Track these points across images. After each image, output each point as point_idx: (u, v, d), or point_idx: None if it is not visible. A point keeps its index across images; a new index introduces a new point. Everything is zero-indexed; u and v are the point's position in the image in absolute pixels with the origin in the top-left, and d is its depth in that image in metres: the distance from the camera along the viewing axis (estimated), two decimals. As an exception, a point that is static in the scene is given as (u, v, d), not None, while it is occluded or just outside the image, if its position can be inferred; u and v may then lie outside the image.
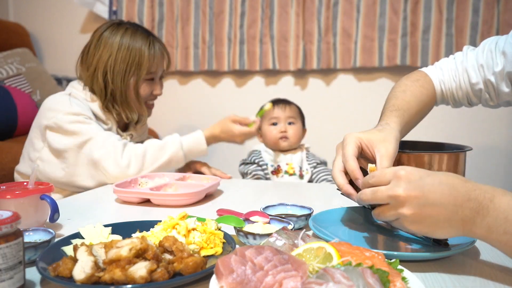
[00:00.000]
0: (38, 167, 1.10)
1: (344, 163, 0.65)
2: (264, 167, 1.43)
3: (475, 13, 1.96)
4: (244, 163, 1.50)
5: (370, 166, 0.63)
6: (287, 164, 1.44)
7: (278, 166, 1.44)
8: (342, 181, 0.64)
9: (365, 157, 0.68)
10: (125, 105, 1.18)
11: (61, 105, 1.10)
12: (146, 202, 0.88)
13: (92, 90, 1.18)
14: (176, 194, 0.87)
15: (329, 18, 2.12)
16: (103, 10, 2.34)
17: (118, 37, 1.16)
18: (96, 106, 1.16)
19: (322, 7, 2.11)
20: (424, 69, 0.90)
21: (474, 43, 1.97)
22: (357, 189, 0.62)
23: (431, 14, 2.01)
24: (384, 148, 0.65)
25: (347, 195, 0.65)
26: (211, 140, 1.24)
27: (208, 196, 0.94)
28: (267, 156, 1.47)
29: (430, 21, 2.02)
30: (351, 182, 0.64)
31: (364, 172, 0.63)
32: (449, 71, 0.86)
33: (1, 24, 2.24)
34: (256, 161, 1.46)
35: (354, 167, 0.63)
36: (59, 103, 1.11)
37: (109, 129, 1.17)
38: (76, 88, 1.18)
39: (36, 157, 1.11)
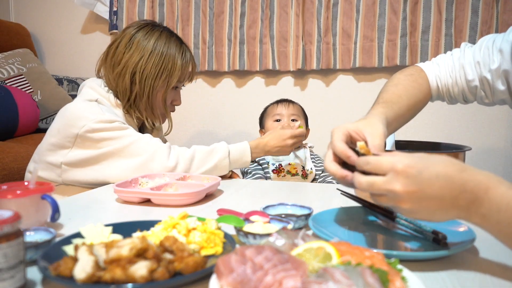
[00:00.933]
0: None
1: (333, 149, 0.64)
2: (264, 165, 1.43)
3: (474, 14, 1.96)
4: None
5: (359, 144, 0.61)
6: (289, 164, 1.44)
7: (280, 165, 1.44)
8: (334, 168, 0.63)
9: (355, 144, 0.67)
10: (149, 110, 1.16)
11: (91, 113, 1.06)
12: (147, 202, 0.88)
13: (116, 92, 1.15)
14: (176, 194, 0.87)
15: (328, 18, 2.12)
16: (103, 11, 2.34)
17: (152, 41, 1.13)
18: (120, 111, 1.13)
19: (322, 7, 2.11)
20: (420, 64, 0.90)
21: (473, 43, 1.96)
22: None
23: (431, 15, 2.02)
24: (373, 129, 0.66)
25: (343, 183, 0.63)
26: (258, 150, 1.18)
27: (208, 196, 0.94)
28: None
29: (429, 21, 2.02)
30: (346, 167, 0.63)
31: (355, 154, 0.62)
32: (446, 67, 0.86)
33: (2, 25, 2.24)
34: (257, 159, 1.46)
35: (342, 148, 0.62)
36: (89, 111, 1.07)
37: None
38: (99, 92, 1.14)
39: (60, 162, 1.07)
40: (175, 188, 0.97)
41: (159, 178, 1.04)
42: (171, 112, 1.23)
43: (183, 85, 1.26)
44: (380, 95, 0.83)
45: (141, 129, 1.29)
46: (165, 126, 1.32)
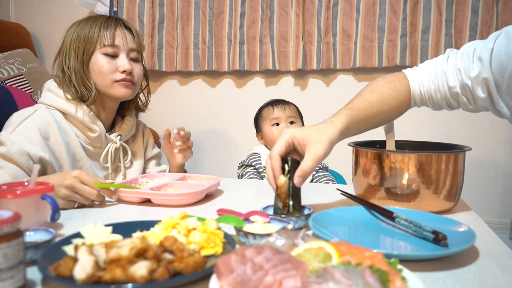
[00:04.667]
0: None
1: (270, 159, 0.74)
2: (260, 170, 1.42)
3: (474, 14, 1.96)
4: (242, 165, 1.49)
5: (280, 181, 0.71)
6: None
7: None
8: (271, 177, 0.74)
9: (297, 152, 0.76)
10: (80, 82, 1.07)
11: (11, 125, 1.00)
12: (147, 202, 0.88)
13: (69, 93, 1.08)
14: (176, 194, 0.87)
15: (328, 18, 2.12)
16: (103, 11, 2.34)
17: (74, 27, 1.10)
18: (81, 112, 1.07)
19: (322, 7, 2.11)
20: (407, 70, 0.91)
21: (473, 44, 1.97)
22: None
23: (431, 15, 2.02)
24: (315, 149, 0.71)
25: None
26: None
27: (208, 196, 0.94)
28: (265, 159, 1.46)
29: (429, 21, 2.02)
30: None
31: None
32: (429, 73, 0.86)
33: (3, 25, 2.25)
34: (253, 163, 1.44)
35: (275, 165, 0.73)
36: (14, 121, 1.00)
37: (98, 136, 1.09)
38: (56, 93, 1.08)
39: None
40: (175, 188, 0.97)
41: (159, 178, 1.04)
42: (127, 77, 1.10)
43: (135, 59, 1.14)
44: (354, 99, 0.85)
45: (113, 125, 1.20)
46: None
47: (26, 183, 0.70)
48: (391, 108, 0.86)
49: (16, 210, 0.49)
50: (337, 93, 2.24)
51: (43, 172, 1.00)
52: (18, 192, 0.63)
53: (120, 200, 0.90)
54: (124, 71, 1.09)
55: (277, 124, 1.46)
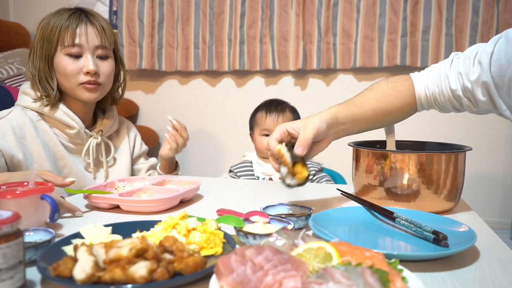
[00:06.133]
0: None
1: (269, 146, 0.80)
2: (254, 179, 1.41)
3: (475, 13, 1.96)
4: (231, 170, 1.48)
5: (277, 148, 0.77)
6: (280, 178, 1.41)
7: (270, 178, 1.41)
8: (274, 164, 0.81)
9: (294, 139, 0.79)
10: (45, 82, 1.05)
11: None
12: (118, 208, 0.82)
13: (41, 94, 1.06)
14: (146, 200, 0.80)
15: (329, 18, 2.12)
16: (103, 11, 2.34)
17: (41, 23, 1.06)
18: (55, 111, 1.05)
19: (322, 7, 2.11)
20: (414, 73, 0.92)
21: (473, 43, 1.97)
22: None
23: (431, 15, 2.02)
24: (307, 125, 0.77)
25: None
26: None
27: (208, 196, 0.94)
28: (258, 168, 1.44)
29: (430, 21, 2.02)
30: None
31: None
32: (434, 76, 0.87)
33: (2, 25, 2.24)
34: (238, 174, 1.43)
35: (273, 149, 0.78)
36: None
37: (77, 133, 1.08)
38: (30, 95, 1.07)
39: None
40: (150, 194, 0.90)
41: (138, 182, 0.99)
42: (92, 80, 1.06)
43: (104, 56, 1.09)
44: (353, 97, 0.88)
45: (95, 121, 1.18)
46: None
47: (25, 183, 0.70)
48: (394, 107, 0.87)
49: (16, 210, 0.49)
50: (337, 93, 2.24)
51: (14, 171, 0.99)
52: (18, 192, 0.63)
53: (90, 207, 0.85)
54: (88, 73, 1.04)
55: (267, 135, 1.44)
